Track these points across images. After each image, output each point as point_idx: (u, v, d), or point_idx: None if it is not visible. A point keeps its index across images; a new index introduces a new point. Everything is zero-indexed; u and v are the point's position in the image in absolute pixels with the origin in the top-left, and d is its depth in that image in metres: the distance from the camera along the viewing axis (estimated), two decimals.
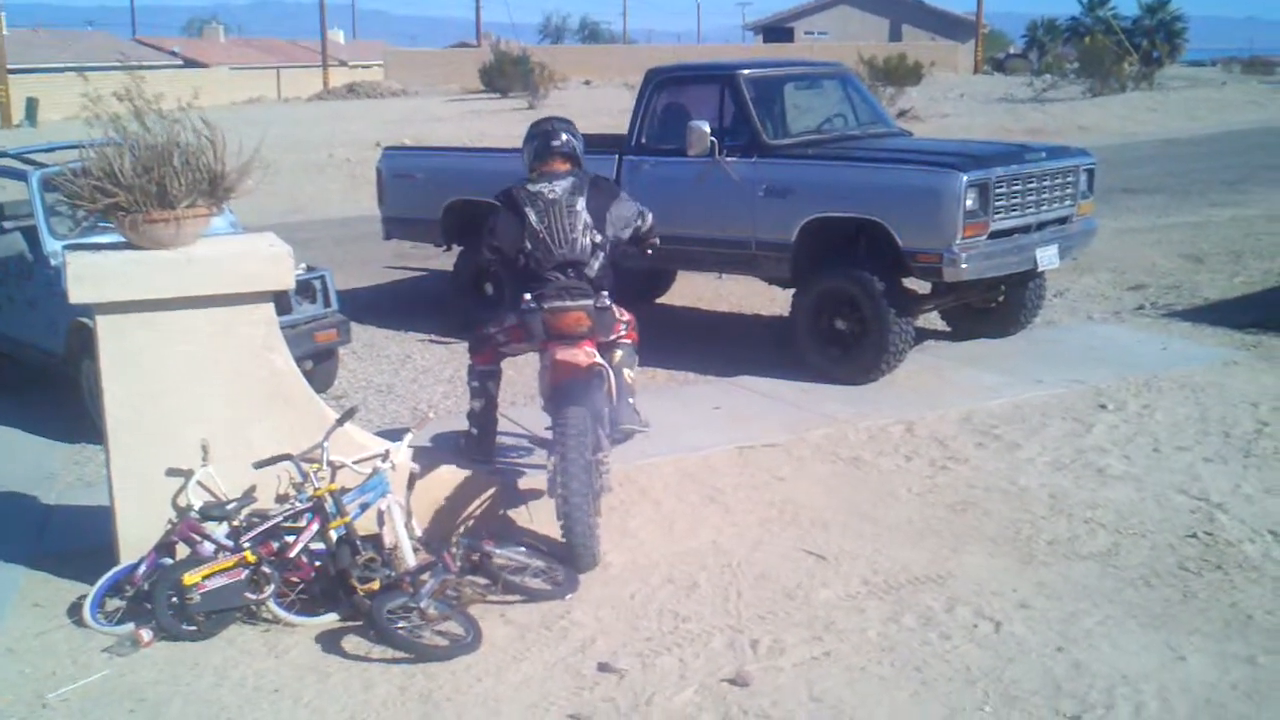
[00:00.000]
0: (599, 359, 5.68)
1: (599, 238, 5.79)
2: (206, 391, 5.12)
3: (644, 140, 9.21)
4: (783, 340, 8.87)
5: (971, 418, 7.31)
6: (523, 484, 6.29)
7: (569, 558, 5.33)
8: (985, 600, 4.93)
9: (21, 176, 8.34)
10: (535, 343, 5.77)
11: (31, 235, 8.06)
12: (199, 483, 5.07)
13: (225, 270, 5.04)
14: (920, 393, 7.88)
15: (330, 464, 5.09)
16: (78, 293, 4.86)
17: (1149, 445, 6.71)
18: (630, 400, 6.05)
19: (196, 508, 5.01)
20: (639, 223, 6.07)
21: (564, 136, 6.02)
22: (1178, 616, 4.75)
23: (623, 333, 6.02)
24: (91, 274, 4.87)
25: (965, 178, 7.64)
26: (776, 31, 66.12)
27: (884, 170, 8.24)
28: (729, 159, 8.55)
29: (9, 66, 41.89)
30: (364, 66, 69.58)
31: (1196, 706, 4.10)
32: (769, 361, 8.65)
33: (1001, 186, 7.91)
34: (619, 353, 6.00)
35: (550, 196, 5.77)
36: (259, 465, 5.04)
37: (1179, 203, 16.52)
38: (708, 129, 8.44)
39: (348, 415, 5.33)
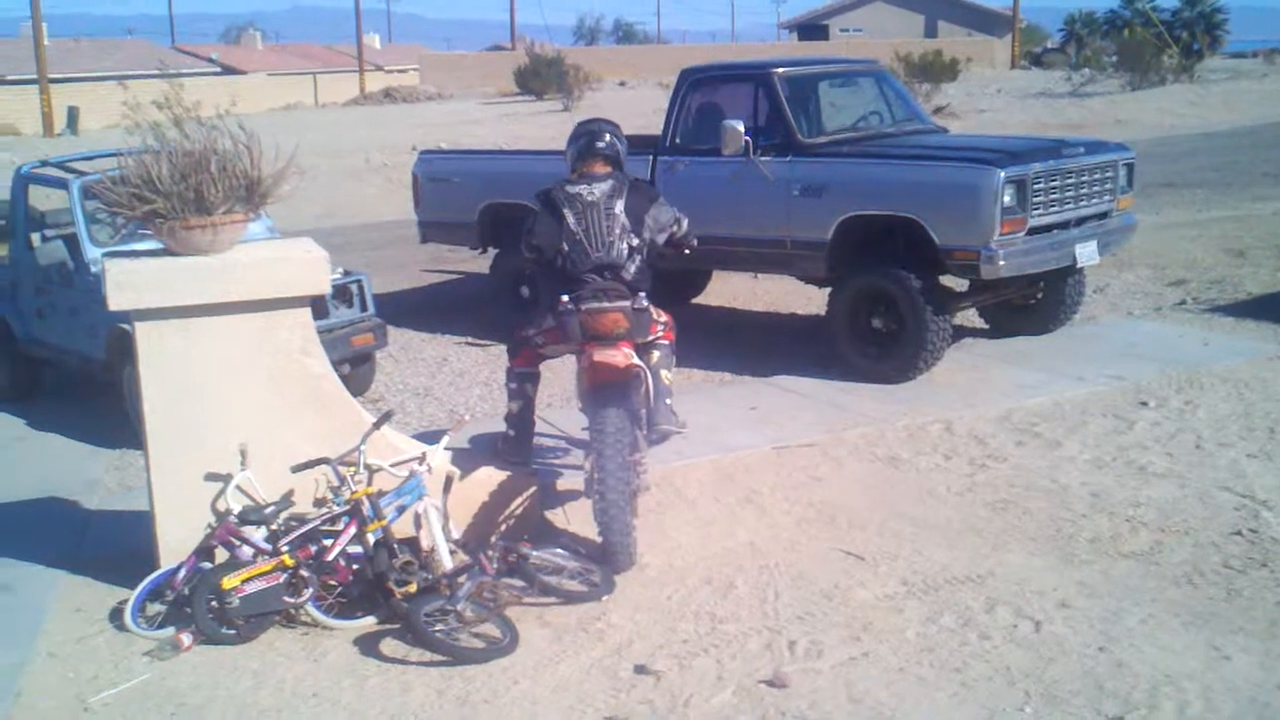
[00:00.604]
0: (636, 360, 5.67)
1: (636, 241, 5.78)
2: (244, 396, 5.16)
3: (678, 140, 9.19)
4: (819, 339, 8.83)
5: (1011, 416, 7.25)
6: (560, 485, 6.29)
7: (606, 559, 5.33)
8: (1025, 600, 4.88)
9: (62, 185, 8.45)
10: (573, 344, 5.76)
11: (73, 243, 8.16)
12: (238, 487, 5.10)
13: (262, 276, 5.07)
14: (959, 391, 7.81)
15: (367, 467, 5.11)
16: (117, 300, 4.90)
17: (1191, 442, 6.63)
18: (667, 401, 6.03)
19: (235, 512, 5.04)
20: (675, 228, 6.06)
21: (608, 138, 6.02)
22: (1222, 615, 4.69)
23: (660, 333, 6.00)
24: (130, 281, 4.91)
25: (1002, 174, 7.57)
26: (811, 29, 65.87)
27: (920, 167, 8.18)
28: (764, 158, 8.52)
29: (51, 76, 42.42)
30: (400, 71, 69.96)
31: (1241, 706, 4.04)
32: (806, 360, 8.61)
33: (1039, 182, 7.83)
34: (656, 354, 5.98)
35: (589, 198, 5.77)
36: (296, 469, 5.07)
37: (1220, 196, 16.30)
38: (742, 128, 8.41)
39: (384, 419, 5.35)
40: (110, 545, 5.92)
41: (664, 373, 6.02)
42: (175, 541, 5.12)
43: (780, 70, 8.96)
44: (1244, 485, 5.97)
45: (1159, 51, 39.85)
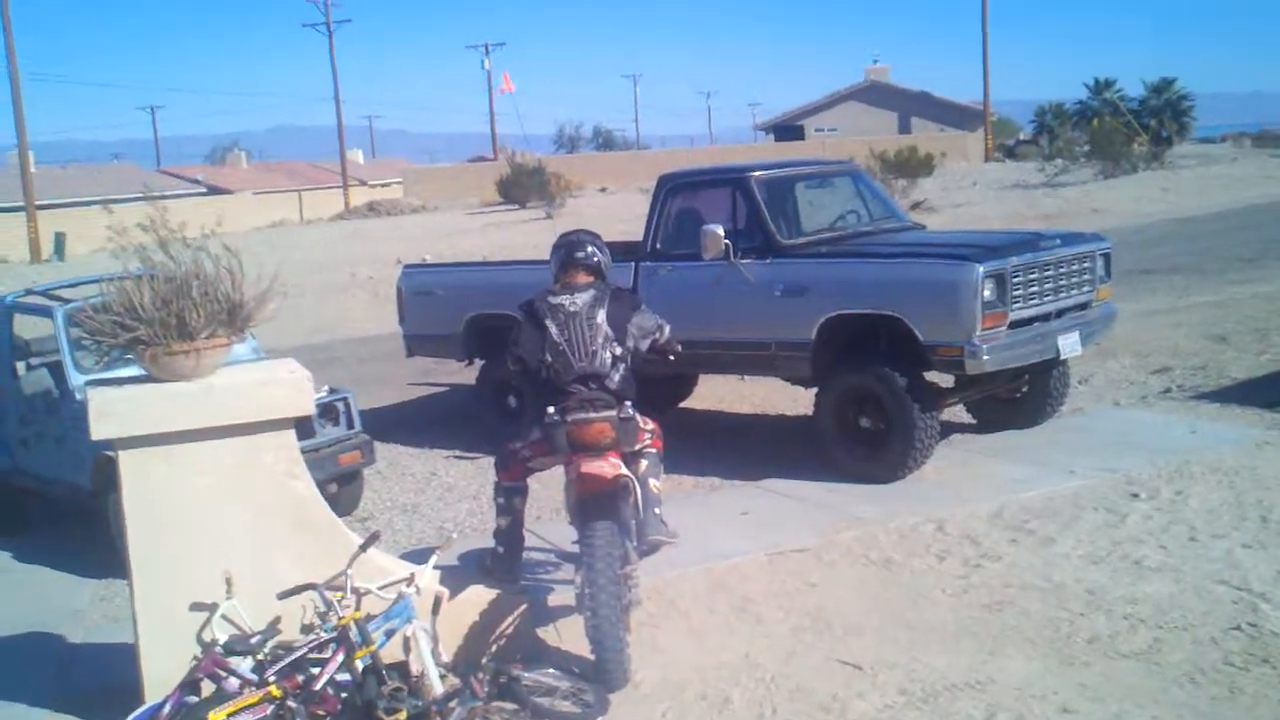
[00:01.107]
0: (624, 470, 5.65)
1: (619, 349, 5.80)
2: (229, 522, 5.10)
3: (659, 246, 9.27)
4: (808, 440, 8.81)
5: (1003, 512, 7.21)
6: (551, 601, 6.22)
7: (599, 677, 5.24)
8: (1026, 705, 4.80)
9: (47, 313, 8.46)
10: (560, 456, 5.74)
11: (58, 371, 8.15)
12: (223, 616, 5.02)
13: (245, 399, 5.05)
14: (949, 488, 7.78)
15: (355, 591, 5.03)
16: (100, 429, 4.87)
17: (1185, 534, 6.59)
18: (657, 510, 6.00)
19: (221, 642, 4.95)
20: (658, 334, 6.10)
21: (588, 249, 6.09)
22: (1225, 715, 4.62)
23: (647, 442, 5.99)
24: (113, 409, 4.89)
25: (981, 268, 7.64)
26: (787, 130, 66.99)
27: (899, 265, 8.26)
28: (744, 261, 8.59)
29: (38, 203, 42.84)
30: (384, 185, 70.88)
31: None
32: (795, 462, 8.58)
33: (1018, 275, 7.91)
34: (644, 462, 5.97)
35: (571, 309, 5.81)
36: (283, 596, 4.99)
37: (1198, 282, 16.47)
38: (722, 232, 8.49)
39: (371, 540, 5.30)
40: (95, 679, 5.81)
41: (653, 481, 5.99)
42: (160, 674, 5.01)
43: (757, 174, 9.08)
44: (1240, 577, 5.92)
45: (1129, 140, 40.62)
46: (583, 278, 6.02)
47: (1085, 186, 34.23)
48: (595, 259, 6.10)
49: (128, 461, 4.99)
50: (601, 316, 5.82)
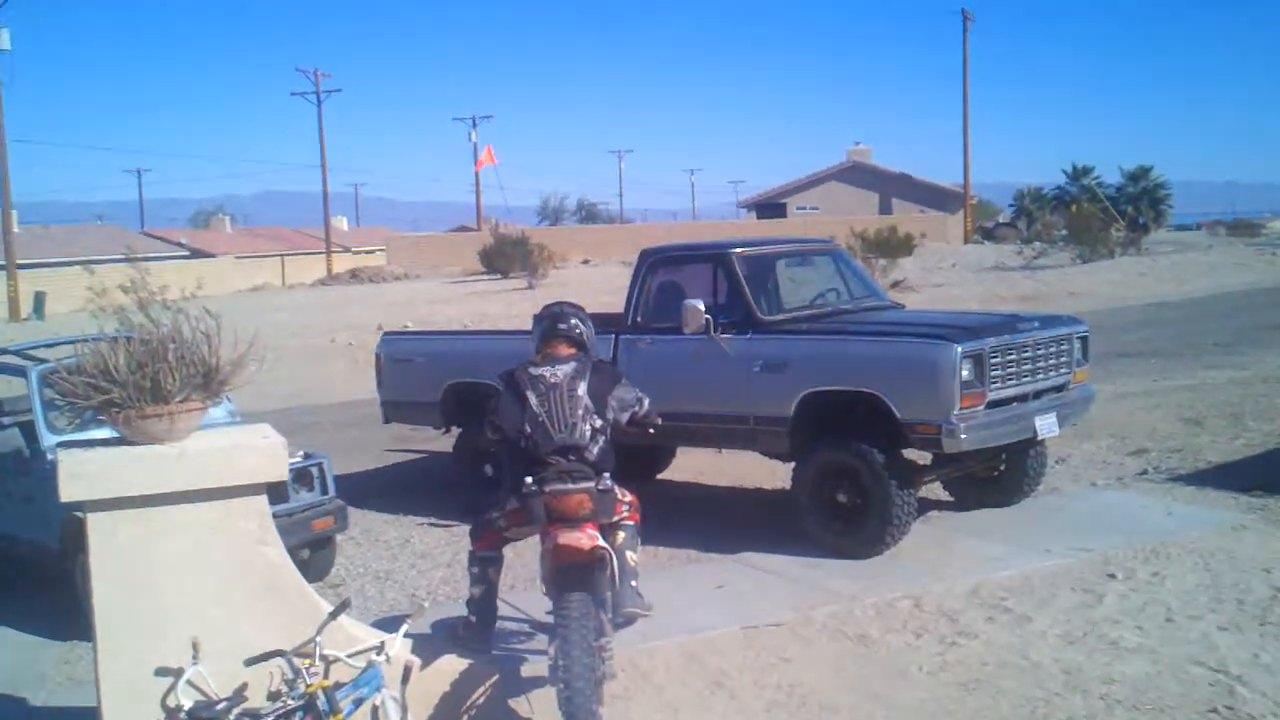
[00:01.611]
0: (601, 542, 5.61)
1: (599, 422, 5.81)
2: (198, 587, 5.03)
3: (640, 319, 9.30)
4: (785, 514, 8.78)
5: (980, 590, 7.18)
6: (524, 671, 6.14)
7: None
8: None
9: (21, 373, 8.41)
10: (537, 526, 5.71)
11: (29, 431, 8.08)
12: (189, 682, 4.92)
13: (218, 464, 5.01)
14: (926, 565, 7.75)
15: (323, 658, 4.95)
16: (69, 490, 4.81)
17: (1161, 615, 6.57)
18: (633, 583, 5.97)
19: (186, 708, 4.85)
20: (637, 407, 6.11)
21: (571, 321, 6.12)
22: None
23: (625, 514, 5.98)
24: (83, 470, 4.83)
25: (959, 348, 7.69)
26: (769, 208, 67.61)
27: (879, 343, 8.30)
28: (724, 335, 8.62)
29: (20, 262, 42.77)
30: (367, 252, 71.13)
31: None
32: (772, 536, 8.54)
33: (996, 356, 7.95)
34: (621, 534, 5.95)
35: (552, 380, 5.81)
36: (250, 662, 4.91)
37: (1174, 366, 16.61)
38: (702, 306, 8.53)
39: (341, 608, 5.23)
40: None
41: (629, 554, 5.97)
42: None
43: (738, 250, 9.15)
44: (1217, 659, 5.90)
45: (1106, 226, 41.16)
46: (564, 349, 6.05)
47: (1063, 270, 34.62)
48: (578, 331, 6.13)
49: (96, 523, 4.92)
50: (582, 389, 5.83)
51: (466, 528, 6.52)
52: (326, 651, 4.96)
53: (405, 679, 5.06)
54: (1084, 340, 8.97)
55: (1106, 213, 45.91)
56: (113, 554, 4.92)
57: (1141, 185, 60.81)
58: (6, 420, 8.68)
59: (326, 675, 4.91)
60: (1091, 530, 8.28)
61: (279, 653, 4.93)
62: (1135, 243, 41.32)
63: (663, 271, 9.49)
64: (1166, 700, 5.48)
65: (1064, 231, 42.19)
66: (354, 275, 51.36)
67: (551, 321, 6.17)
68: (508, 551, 6.31)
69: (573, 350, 6.06)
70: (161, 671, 4.93)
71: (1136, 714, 5.36)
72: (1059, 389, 8.69)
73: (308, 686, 4.84)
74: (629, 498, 6.02)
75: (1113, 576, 7.25)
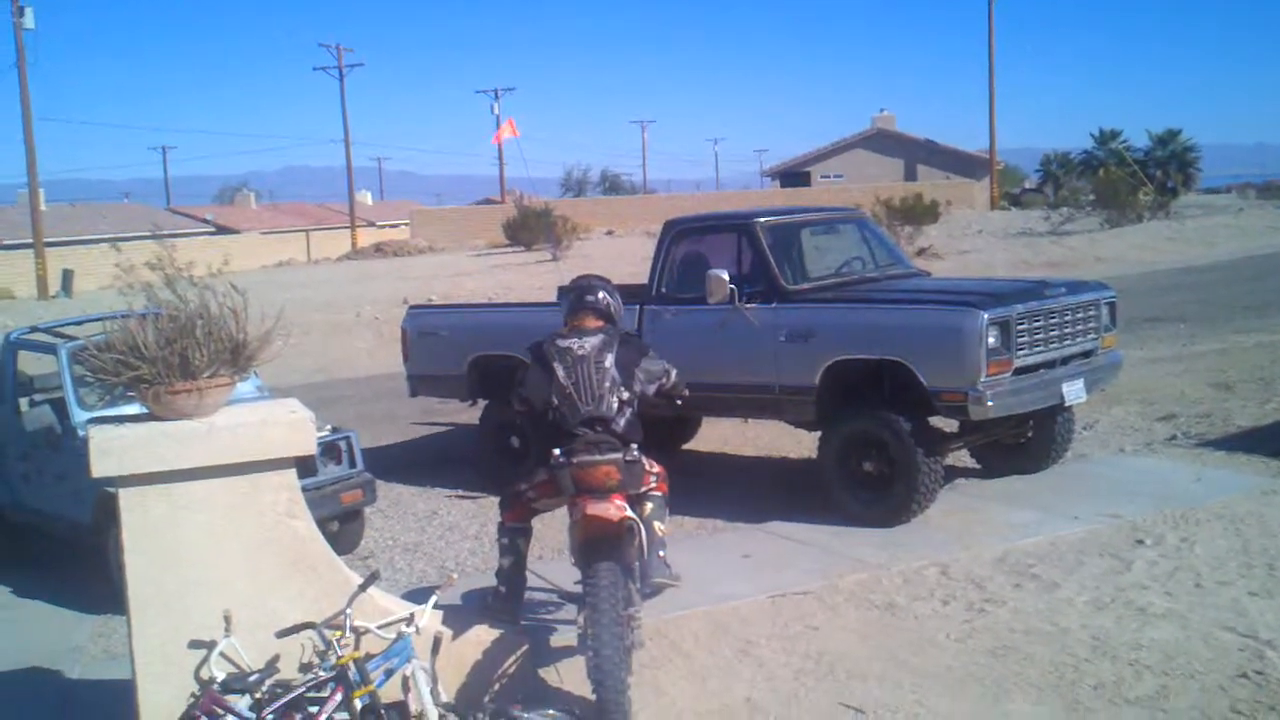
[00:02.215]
0: (629, 512, 5.63)
1: (626, 394, 5.82)
2: (229, 561, 5.08)
3: (664, 290, 9.29)
4: (812, 483, 8.78)
5: (1007, 557, 7.17)
6: (553, 641, 6.18)
7: (601, 718, 5.17)
8: None
9: (51, 350, 8.49)
10: (565, 497, 5.73)
11: (60, 408, 8.16)
12: (222, 654, 4.99)
13: (246, 439, 5.04)
14: (954, 533, 7.74)
15: (354, 630, 5.00)
16: (100, 466, 4.86)
17: (1191, 580, 6.54)
18: (661, 553, 5.98)
19: (219, 680, 4.91)
20: (664, 379, 6.12)
21: (599, 294, 6.14)
22: None
23: (653, 484, 5.99)
24: (114, 447, 4.88)
25: (985, 315, 7.64)
26: (793, 176, 67.26)
27: (904, 311, 8.26)
28: (749, 305, 8.61)
29: (46, 240, 43.07)
30: (391, 226, 71.24)
31: None
32: (798, 505, 8.55)
33: (1022, 323, 7.91)
34: (649, 505, 5.96)
35: (579, 352, 5.82)
36: (282, 634, 4.97)
37: (1204, 330, 16.47)
38: (726, 277, 8.51)
39: (371, 580, 5.27)
40: (93, 715, 5.79)
41: (657, 524, 5.98)
42: (158, 711, 4.97)
43: (762, 220, 9.11)
44: (1247, 625, 5.87)
45: (1134, 190, 40.73)
46: (592, 322, 6.06)
47: (1091, 235, 34.32)
48: (605, 304, 6.14)
49: (128, 499, 4.97)
50: (609, 361, 5.83)
51: (494, 499, 6.57)
52: (357, 623, 5.01)
53: (435, 650, 5.10)
54: (1111, 306, 8.90)
55: (1135, 177, 45.42)
56: (144, 528, 4.97)
57: (1170, 149, 60.08)
58: (38, 398, 8.79)
59: (357, 646, 4.96)
60: (1120, 496, 8.24)
61: (310, 625, 4.98)
62: (1164, 207, 40.89)
63: (687, 242, 9.46)
64: (1195, 666, 5.46)
65: (1091, 196, 41.71)
66: (378, 249, 51.46)
67: (579, 294, 6.19)
68: (535, 523, 6.35)
69: (600, 323, 6.07)
70: (194, 644, 4.99)
71: (1165, 679, 5.34)
72: (1086, 355, 8.63)
73: (339, 658, 4.89)
74: (656, 468, 6.03)
75: (1141, 542, 7.22)
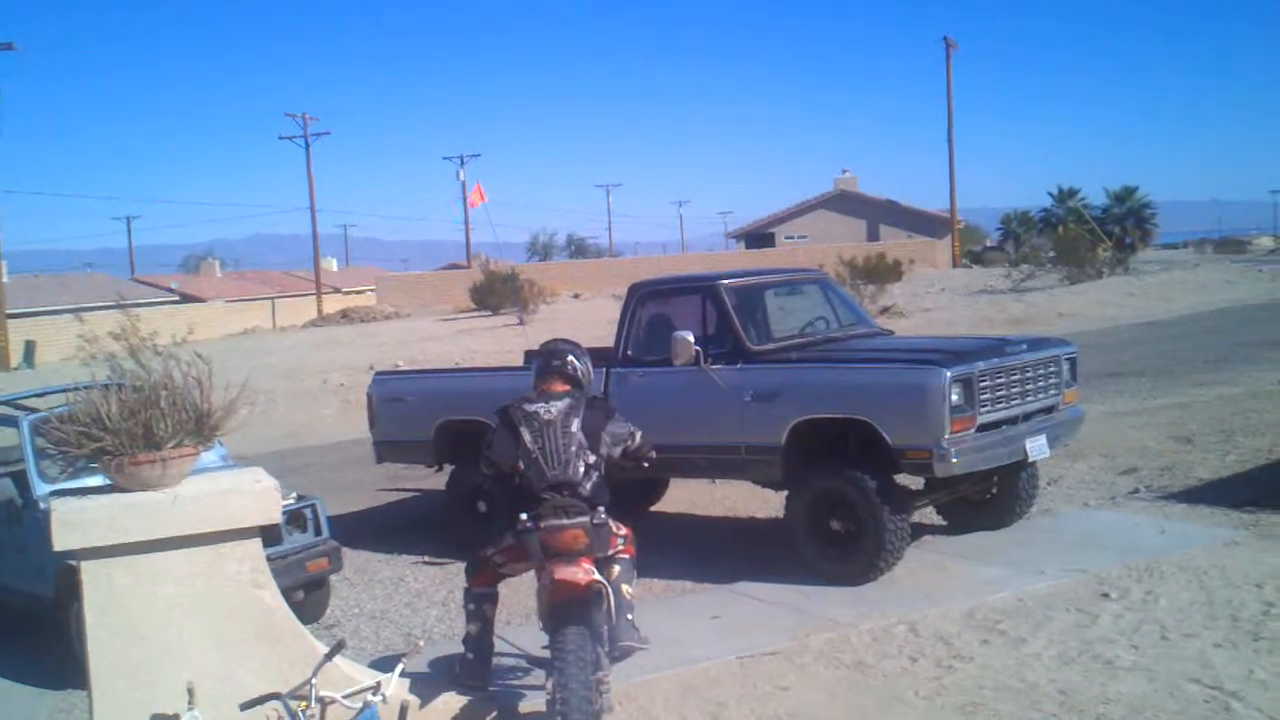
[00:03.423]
0: (597, 576, 5.63)
1: (592, 458, 5.85)
2: (193, 632, 5.04)
3: (630, 352, 9.34)
4: (780, 542, 8.79)
5: (975, 613, 7.19)
6: (522, 707, 6.14)
7: None
8: None
9: (12, 423, 8.41)
10: (533, 562, 5.73)
11: (21, 480, 8.07)
12: None
13: (211, 509, 5.03)
14: (921, 589, 7.76)
15: (320, 700, 4.95)
16: (63, 539, 4.83)
17: (1156, 633, 6.58)
18: (629, 616, 5.99)
19: None
20: (630, 441, 6.15)
21: (566, 358, 6.19)
22: None
23: (620, 547, 6.00)
24: (77, 520, 4.85)
25: (948, 373, 7.73)
26: (758, 238, 67.87)
27: (868, 370, 8.33)
28: (714, 366, 8.66)
29: (9, 311, 42.74)
30: (357, 292, 71.18)
31: None
32: (767, 565, 8.55)
33: (985, 380, 7.99)
34: (617, 568, 5.97)
35: (546, 417, 5.86)
36: (246, 706, 4.91)
37: (1164, 384, 16.67)
38: (692, 338, 8.56)
39: (337, 649, 5.23)
40: None
41: (625, 587, 5.99)
42: None
43: (726, 281, 9.20)
44: (1212, 676, 5.91)
45: (1093, 246, 41.34)
46: (559, 386, 6.11)
47: (1051, 292, 34.75)
48: (572, 368, 6.19)
49: (90, 571, 4.94)
50: (576, 425, 5.87)
51: (461, 565, 6.54)
52: (323, 693, 4.96)
53: (402, 718, 5.06)
54: (1073, 361, 9.02)
55: (1093, 233, 46.14)
56: (107, 601, 4.94)
57: (1127, 205, 61.21)
58: None
59: (323, 717, 4.91)
60: (1085, 550, 8.30)
61: (275, 695, 4.93)
62: (1123, 262, 41.51)
63: (652, 304, 9.53)
64: (1162, 718, 5.48)
65: (1051, 253, 42.33)
66: (344, 316, 51.37)
67: (546, 359, 6.26)
68: (502, 587, 6.32)
69: (567, 387, 6.11)
70: (157, 718, 4.94)
71: None
72: (1049, 410, 8.73)
73: None
74: (624, 531, 6.05)
75: (1107, 596, 7.27)
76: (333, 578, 8.67)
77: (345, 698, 5.02)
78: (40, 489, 7.78)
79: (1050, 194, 65.33)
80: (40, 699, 7.42)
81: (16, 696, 7.54)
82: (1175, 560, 7.83)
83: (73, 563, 5.08)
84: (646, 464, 6.45)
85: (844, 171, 70.23)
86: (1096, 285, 36.02)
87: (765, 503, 10.55)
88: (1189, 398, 15.03)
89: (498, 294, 41.91)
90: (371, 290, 65.48)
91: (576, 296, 47.73)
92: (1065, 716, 5.60)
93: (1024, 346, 8.68)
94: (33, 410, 8.42)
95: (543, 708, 5.53)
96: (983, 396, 7.96)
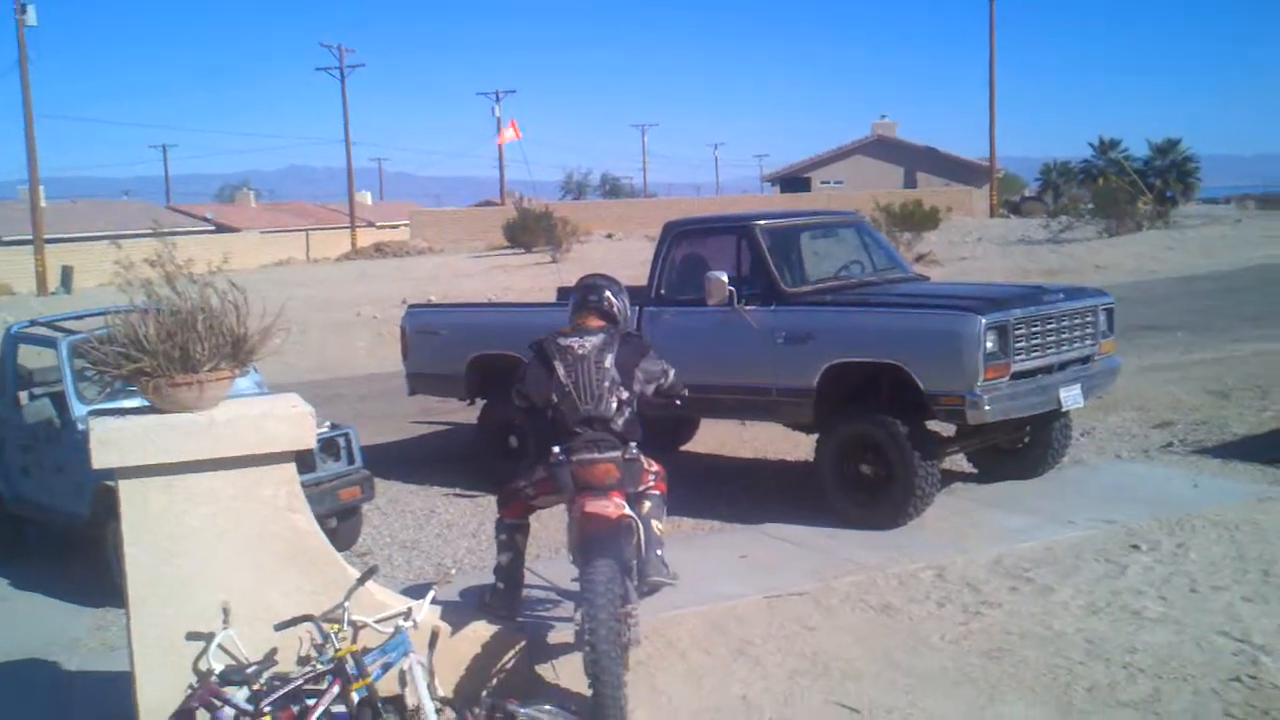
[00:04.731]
0: (628, 510, 5.66)
1: (625, 394, 5.84)
2: (228, 553, 5.10)
3: (663, 291, 9.32)
4: (809, 485, 8.80)
5: (1003, 560, 7.19)
6: (550, 638, 6.20)
7: (596, 714, 5.19)
8: None
9: (51, 344, 8.50)
10: (564, 495, 5.76)
11: (60, 401, 8.17)
12: (220, 646, 5.00)
13: (246, 432, 5.06)
14: (949, 536, 7.77)
15: (352, 624, 5.02)
16: (101, 458, 4.88)
17: (1186, 586, 6.57)
18: (658, 552, 6.00)
19: (217, 672, 4.93)
20: (663, 379, 6.14)
21: (604, 294, 6.15)
22: None
23: (651, 483, 6.01)
24: (114, 439, 4.90)
25: (984, 320, 7.67)
26: (793, 182, 67.27)
27: (903, 314, 8.29)
28: (748, 307, 8.63)
29: (46, 236, 43.09)
30: (391, 227, 71.19)
31: None
32: (795, 507, 8.57)
33: (1020, 328, 7.93)
34: (647, 504, 5.98)
35: (579, 351, 5.85)
36: (280, 627, 4.98)
37: (1201, 339, 16.50)
38: (725, 278, 8.53)
39: (369, 574, 5.29)
40: (91, 708, 5.80)
41: (655, 523, 6.00)
42: (156, 703, 4.99)
43: (762, 222, 9.14)
44: (1241, 629, 5.90)
45: (1133, 199, 40.75)
46: (594, 322, 6.09)
47: (1090, 243, 34.34)
48: (609, 304, 6.16)
49: (128, 491, 4.99)
50: (610, 361, 5.85)
51: (491, 499, 6.58)
52: (354, 617, 5.03)
53: (433, 644, 5.13)
54: (1109, 312, 8.93)
55: (1134, 185, 45.45)
56: (144, 520, 4.99)
57: (1169, 158, 60.25)
58: (37, 391, 8.79)
59: (354, 640, 4.98)
60: (1116, 502, 8.26)
61: (308, 618, 5.00)
62: (1163, 216, 40.88)
63: (686, 244, 9.49)
64: (1189, 669, 5.48)
65: (1090, 205, 41.71)
66: (378, 250, 51.47)
67: (584, 294, 6.24)
68: (533, 521, 6.37)
69: (602, 323, 6.10)
70: (192, 635, 5.01)
71: (1159, 682, 5.36)
72: (1084, 361, 8.66)
73: (336, 651, 4.91)
74: (655, 467, 6.06)
75: (1137, 548, 7.25)
76: (365, 507, 8.76)
77: (377, 622, 5.09)
78: (78, 410, 7.87)
79: (1091, 145, 64.40)
80: (79, 616, 7.56)
81: (56, 613, 7.69)
82: (1207, 514, 7.79)
83: (110, 483, 5.14)
84: (679, 402, 6.45)
85: (882, 116, 69.40)
86: (1135, 238, 35.55)
87: (795, 445, 10.55)
88: (1226, 353, 14.88)
89: (531, 232, 41.81)
90: (405, 225, 65.51)
91: (610, 236, 47.57)
92: (1091, 664, 5.61)
93: (1061, 295, 8.60)
94: (71, 332, 8.50)
95: (571, 639, 5.59)
96: (1018, 344, 7.90)
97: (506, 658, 5.76)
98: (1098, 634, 5.97)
